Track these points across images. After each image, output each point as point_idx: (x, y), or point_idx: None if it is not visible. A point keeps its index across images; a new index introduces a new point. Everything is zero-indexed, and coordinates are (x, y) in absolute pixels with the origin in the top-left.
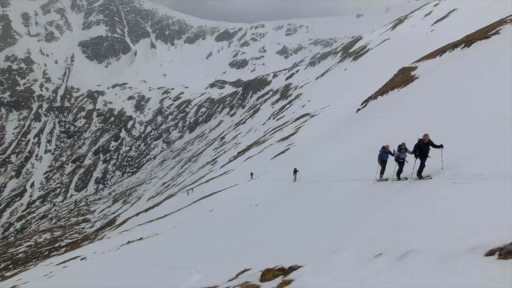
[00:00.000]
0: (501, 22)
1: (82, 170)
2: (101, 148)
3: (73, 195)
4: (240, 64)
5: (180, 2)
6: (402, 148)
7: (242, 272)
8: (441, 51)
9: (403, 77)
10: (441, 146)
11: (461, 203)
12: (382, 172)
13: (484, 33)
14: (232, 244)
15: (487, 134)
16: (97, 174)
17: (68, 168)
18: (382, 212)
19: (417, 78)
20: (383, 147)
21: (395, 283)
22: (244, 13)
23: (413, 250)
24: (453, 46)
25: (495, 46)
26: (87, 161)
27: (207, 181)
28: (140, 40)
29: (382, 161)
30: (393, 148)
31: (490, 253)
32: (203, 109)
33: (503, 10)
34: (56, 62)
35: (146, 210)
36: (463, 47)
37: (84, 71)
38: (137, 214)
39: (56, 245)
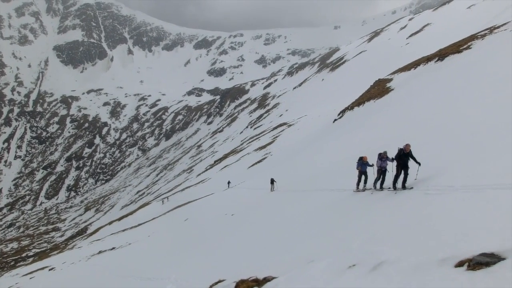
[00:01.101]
0: (473, 37)
1: (53, 177)
2: (74, 155)
3: (43, 202)
4: (218, 72)
5: (158, 9)
6: (383, 157)
7: (216, 283)
8: (415, 64)
9: (379, 89)
10: (419, 164)
11: (433, 214)
12: (365, 182)
13: (456, 48)
14: (207, 254)
15: (459, 145)
16: (69, 181)
17: (39, 174)
18: (357, 222)
19: (392, 89)
20: (361, 159)
21: None
22: (223, 22)
23: (386, 261)
24: (427, 59)
25: (467, 60)
26: (59, 168)
27: (183, 189)
28: (117, 46)
29: (363, 172)
30: (374, 157)
31: (460, 264)
32: (180, 117)
33: (474, 26)
34: (30, 66)
35: (119, 219)
36: (437, 61)
37: (58, 75)
38: (110, 223)
39: (23, 255)
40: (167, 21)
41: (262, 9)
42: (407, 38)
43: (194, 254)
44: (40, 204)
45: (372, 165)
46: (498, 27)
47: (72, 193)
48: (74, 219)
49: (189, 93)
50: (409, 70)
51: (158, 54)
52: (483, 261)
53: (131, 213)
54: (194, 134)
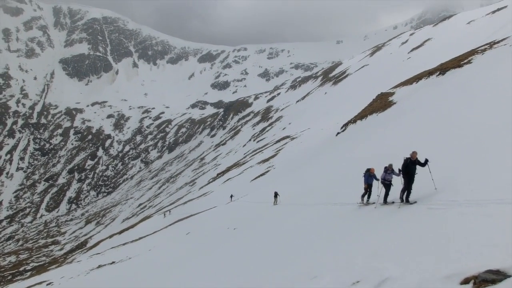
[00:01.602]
0: (473, 52)
1: (54, 189)
2: (76, 167)
3: (44, 215)
4: (222, 86)
5: (164, 24)
6: (388, 169)
7: None
8: (417, 78)
9: (382, 102)
10: (426, 162)
11: (436, 230)
12: (368, 196)
13: (457, 62)
14: (208, 269)
15: (462, 159)
16: (70, 193)
17: (40, 187)
18: (360, 236)
19: (395, 103)
20: (368, 170)
21: None
22: (227, 36)
23: (390, 278)
24: (429, 73)
25: (468, 74)
26: (61, 180)
27: (185, 202)
28: (123, 59)
29: (368, 184)
30: (378, 170)
31: (465, 281)
32: (184, 130)
33: (474, 41)
34: (35, 78)
35: (120, 232)
36: (438, 75)
37: (63, 88)
38: (111, 236)
39: (21, 269)
40: (172, 35)
41: (266, 24)
42: (408, 53)
43: (195, 269)
44: (41, 217)
45: (379, 180)
46: (498, 42)
47: (73, 206)
48: (74, 232)
49: (193, 106)
50: (411, 84)
51: (162, 68)
52: (489, 279)
53: (132, 227)
54: (197, 147)
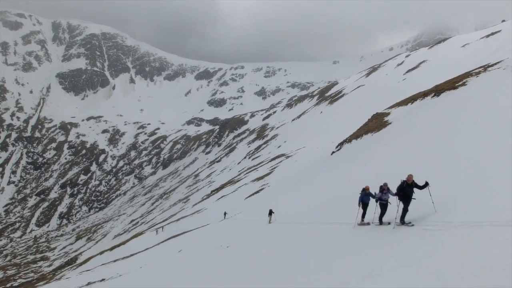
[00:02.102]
0: (467, 74)
1: (46, 204)
2: (69, 181)
3: (34, 230)
4: (218, 103)
5: (162, 41)
6: (384, 189)
7: None
8: (412, 99)
9: (377, 122)
10: (426, 185)
11: (432, 252)
12: (363, 215)
13: (452, 84)
14: None
15: (456, 181)
16: (62, 208)
17: (31, 201)
18: (355, 258)
19: (390, 123)
20: (363, 189)
21: None
22: (224, 54)
23: None
24: (424, 94)
25: (463, 96)
26: (53, 195)
27: (178, 219)
28: (120, 75)
29: (364, 204)
30: (374, 190)
31: None
32: (179, 146)
33: (469, 63)
34: (31, 92)
35: (111, 249)
36: (433, 96)
37: (59, 102)
38: (101, 253)
39: (8, 285)
40: (170, 52)
41: (263, 43)
42: (404, 74)
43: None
44: (30, 232)
45: (375, 197)
46: (492, 65)
47: (64, 221)
48: (64, 248)
49: (189, 122)
50: (406, 105)
51: (159, 84)
52: None
53: (123, 243)
54: (191, 164)
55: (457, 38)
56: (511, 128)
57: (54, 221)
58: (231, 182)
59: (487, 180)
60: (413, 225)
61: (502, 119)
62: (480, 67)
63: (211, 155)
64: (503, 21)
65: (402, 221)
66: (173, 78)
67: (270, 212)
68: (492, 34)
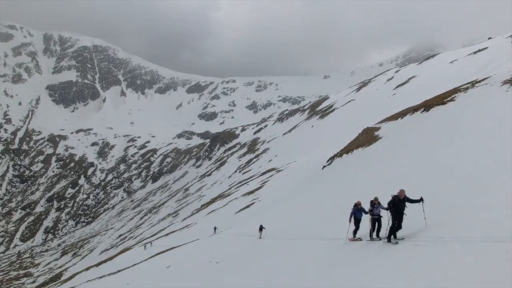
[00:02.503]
0: (456, 90)
1: (31, 218)
2: (56, 195)
3: (18, 245)
4: (209, 117)
5: (154, 54)
6: (375, 203)
7: None
8: (402, 114)
9: (367, 137)
10: (421, 200)
11: (422, 268)
12: (355, 231)
13: (441, 100)
14: None
15: (446, 196)
16: (47, 223)
17: (16, 215)
18: (347, 275)
19: (380, 138)
20: (356, 205)
21: None
22: (216, 68)
23: None
24: (414, 109)
25: (451, 111)
26: (39, 209)
27: (167, 234)
28: (111, 88)
29: (356, 219)
30: (367, 204)
31: None
32: (169, 159)
33: (457, 79)
34: (20, 104)
35: (97, 265)
36: (423, 111)
37: (48, 114)
38: (87, 269)
39: None
40: (162, 65)
41: (255, 56)
42: (393, 89)
43: None
44: (14, 247)
45: (367, 213)
46: (480, 81)
47: (50, 236)
48: (49, 263)
49: (179, 136)
50: (396, 120)
51: (150, 97)
52: None
53: (110, 258)
54: (181, 177)
55: (446, 55)
56: (500, 143)
57: (39, 236)
58: (221, 196)
59: (477, 195)
60: (397, 242)
61: (490, 134)
62: (468, 83)
63: (202, 168)
64: (490, 38)
65: (389, 238)
66: (165, 91)
67: (261, 228)
68: (479, 50)
